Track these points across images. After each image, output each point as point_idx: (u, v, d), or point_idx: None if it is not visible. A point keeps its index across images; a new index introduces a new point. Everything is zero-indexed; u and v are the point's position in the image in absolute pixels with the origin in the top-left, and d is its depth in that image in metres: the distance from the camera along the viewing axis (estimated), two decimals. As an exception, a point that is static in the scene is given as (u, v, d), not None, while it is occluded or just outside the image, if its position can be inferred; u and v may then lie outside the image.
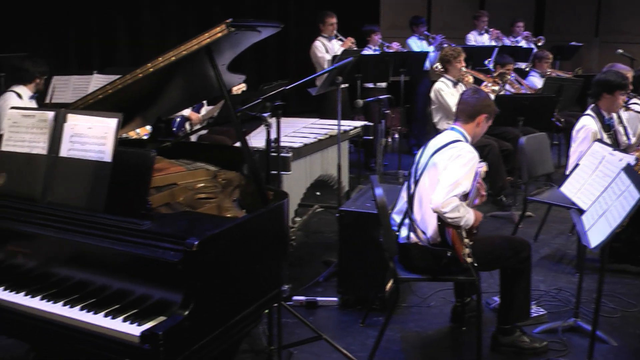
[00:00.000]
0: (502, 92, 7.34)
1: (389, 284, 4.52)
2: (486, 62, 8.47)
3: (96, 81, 6.42)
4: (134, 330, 2.31)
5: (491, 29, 10.17)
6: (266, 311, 3.53)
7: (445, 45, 8.69)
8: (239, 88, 6.17)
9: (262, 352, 3.95)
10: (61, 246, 2.64)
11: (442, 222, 3.59)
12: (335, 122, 5.09)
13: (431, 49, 9.27)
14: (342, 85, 5.04)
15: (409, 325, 4.36)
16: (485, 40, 10.12)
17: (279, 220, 2.90)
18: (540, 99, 6.99)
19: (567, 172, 4.37)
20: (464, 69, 7.12)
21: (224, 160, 3.68)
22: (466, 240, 3.61)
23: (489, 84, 7.34)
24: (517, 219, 5.97)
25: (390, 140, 9.43)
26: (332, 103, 7.25)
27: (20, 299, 2.59)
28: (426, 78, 9.19)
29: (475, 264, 3.63)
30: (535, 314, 4.29)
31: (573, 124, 5.47)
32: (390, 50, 8.65)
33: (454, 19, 12.26)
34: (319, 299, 4.63)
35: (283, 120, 3.89)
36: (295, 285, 4.76)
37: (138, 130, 5.20)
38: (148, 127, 5.29)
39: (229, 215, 2.87)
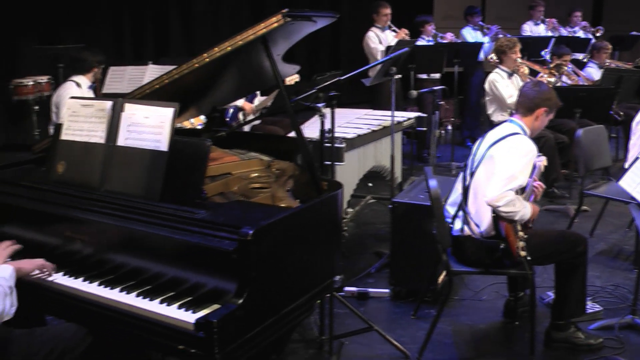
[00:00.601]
0: (558, 84, 7.20)
1: (442, 277, 4.49)
2: (542, 52, 8.30)
3: (151, 72, 6.51)
4: (189, 317, 2.33)
5: (547, 19, 9.97)
6: (318, 301, 3.54)
7: (501, 35, 8.57)
8: (292, 79, 6.19)
9: (313, 341, 3.97)
10: (118, 233, 2.68)
11: (497, 215, 3.54)
12: (388, 113, 5.06)
13: (486, 39, 9.14)
14: (396, 76, 5.01)
15: (460, 318, 4.32)
16: (541, 30, 9.93)
17: (333, 210, 2.89)
18: (598, 90, 6.84)
19: (626, 166, 4.27)
20: (519, 60, 7.01)
21: (277, 150, 3.69)
22: (521, 234, 3.56)
23: (545, 75, 7.20)
24: (572, 213, 5.87)
25: (443, 131, 9.35)
26: (384, 94, 7.21)
27: (78, 284, 2.64)
28: (480, 69, 9.09)
29: (529, 258, 3.58)
30: (590, 310, 4.20)
31: (632, 117, 5.34)
32: (444, 41, 8.57)
33: (509, 9, 12.05)
34: (370, 290, 4.63)
35: (336, 111, 3.88)
36: (347, 276, 4.77)
37: (192, 120, 5.26)
38: (202, 117, 5.34)
39: (282, 205, 2.88)
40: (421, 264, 4.37)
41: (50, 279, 2.67)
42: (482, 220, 3.68)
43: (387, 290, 4.62)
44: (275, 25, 2.76)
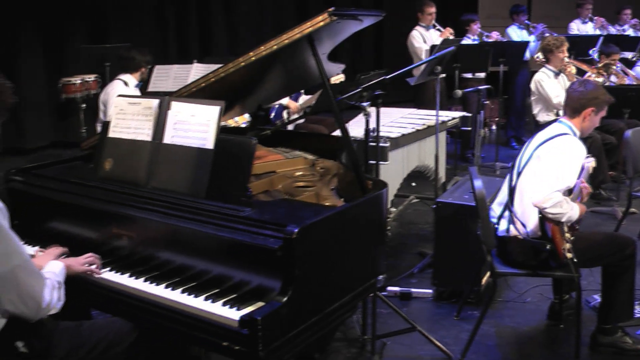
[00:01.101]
0: (606, 84, 7.07)
1: (485, 278, 4.45)
2: (590, 52, 8.16)
3: (196, 70, 6.56)
4: (233, 314, 2.34)
5: (595, 17, 9.80)
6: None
7: (547, 34, 8.45)
8: (337, 78, 6.18)
9: (355, 340, 3.96)
10: (163, 230, 2.71)
11: (543, 216, 3.49)
12: (432, 112, 5.03)
13: (532, 38, 9.04)
14: (441, 75, 4.98)
15: (504, 320, 4.27)
16: (589, 29, 9.77)
17: (377, 209, 2.88)
18: (647, 90, 6.69)
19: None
20: (566, 59, 6.90)
21: (322, 149, 3.69)
22: (567, 235, 3.50)
23: (593, 75, 7.09)
24: (620, 216, 5.76)
25: (487, 131, 9.26)
26: (428, 93, 7.19)
27: (124, 279, 2.67)
28: (525, 68, 8.98)
29: (576, 260, 3.52)
30: (638, 315, 4.11)
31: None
32: (490, 40, 8.50)
33: (555, 7, 11.88)
34: (413, 290, 4.61)
35: (380, 110, 3.86)
36: (390, 276, 4.76)
37: (237, 119, 5.29)
38: (246, 116, 5.38)
39: (327, 204, 2.88)
40: (465, 264, 4.33)
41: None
42: (528, 220, 3.63)
43: (429, 291, 4.59)
44: (322, 24, 2.75)
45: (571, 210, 3.44)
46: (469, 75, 8.13)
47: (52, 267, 2.56)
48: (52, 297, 2.41)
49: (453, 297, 4.51)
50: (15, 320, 2.34)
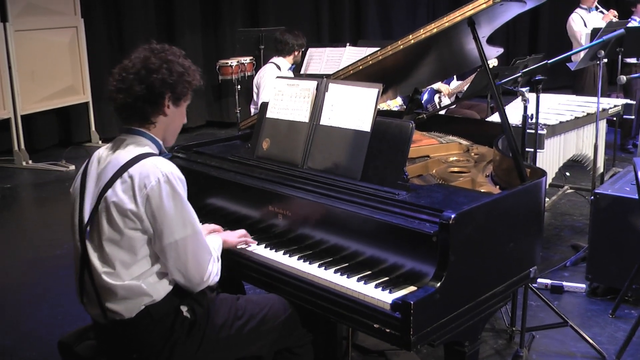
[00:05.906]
0: None
1: (646, 276, 4.22)
2: None
3: (348, 53, 6.62)
4: (386, 297, 2.34)
5: None
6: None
7: None
8: (491, 63, 6.05)
9: (503, 331, 3.89)
10: (318, 210, 2.73)
11: None
12: (593, 99, 4.82)
13: None
14: (604, 60, 4.75)
15: (666, 322, 4.04)
16: None
17: (536, 198, 2.78)
18: None
19: None
20: None
21: (475, 135, 3.63)
22: None
23: None
24: None
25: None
26: (588, 79, 6.88)
27: (279, 257, 2.73)
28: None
29: None
30: None
31: None
32: (659, 22, 7.97)
33: None
34: (565, 284, 4.45)
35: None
36: (540, 268, 4.61)
37: (389, 102, 5.29)
38: (398, 99, 5.37)
39: (483, 190, 2.82)
40: (623, 260, 4.13)
41: (252, 249, 2.79)
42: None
43: (583, 286, 4.42)
44: (484, 6, 2.70)
45: None
46: (633, 60, 7.67)
47: (211, 242, 2.65)
48: (212, 270, 2.50)
49: (608, 293, 4.33)
50: (180, 287, 2.46)
